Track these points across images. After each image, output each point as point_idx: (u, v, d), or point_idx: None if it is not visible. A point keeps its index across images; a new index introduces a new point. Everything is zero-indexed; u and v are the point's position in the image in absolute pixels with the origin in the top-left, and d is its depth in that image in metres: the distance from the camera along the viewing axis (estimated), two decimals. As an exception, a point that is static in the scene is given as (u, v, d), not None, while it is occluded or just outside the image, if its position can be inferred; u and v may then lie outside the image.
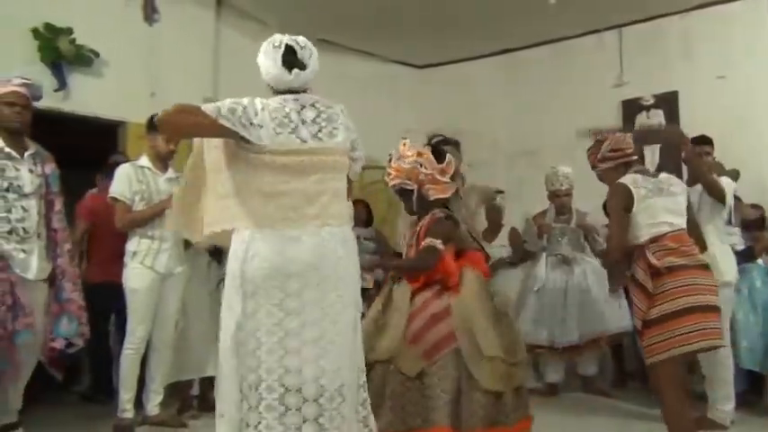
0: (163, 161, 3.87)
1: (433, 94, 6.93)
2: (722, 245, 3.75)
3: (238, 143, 2.11)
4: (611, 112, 5.99)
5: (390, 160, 3.05)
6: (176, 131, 2.40)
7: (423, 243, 2.87)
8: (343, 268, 2.16)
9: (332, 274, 2.12)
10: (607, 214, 3.38)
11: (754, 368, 4.05)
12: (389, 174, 3.04)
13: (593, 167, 3.27)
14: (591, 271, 4.73)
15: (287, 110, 2.16)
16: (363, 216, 5.52)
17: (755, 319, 4.05)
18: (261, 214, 2.11)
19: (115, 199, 3.75)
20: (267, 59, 2.26)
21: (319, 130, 2.18)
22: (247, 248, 2.08)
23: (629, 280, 2.96)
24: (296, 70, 2.22)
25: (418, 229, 2.97)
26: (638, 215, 2.93)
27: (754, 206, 4.59)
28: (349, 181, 2.35)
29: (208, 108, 2.04)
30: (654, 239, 2.89)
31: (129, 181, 3.76)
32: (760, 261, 4.26)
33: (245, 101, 2.11)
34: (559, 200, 4.81)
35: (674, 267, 2.79)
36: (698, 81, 5.56)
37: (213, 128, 2.06)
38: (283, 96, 2.21)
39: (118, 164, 4.00)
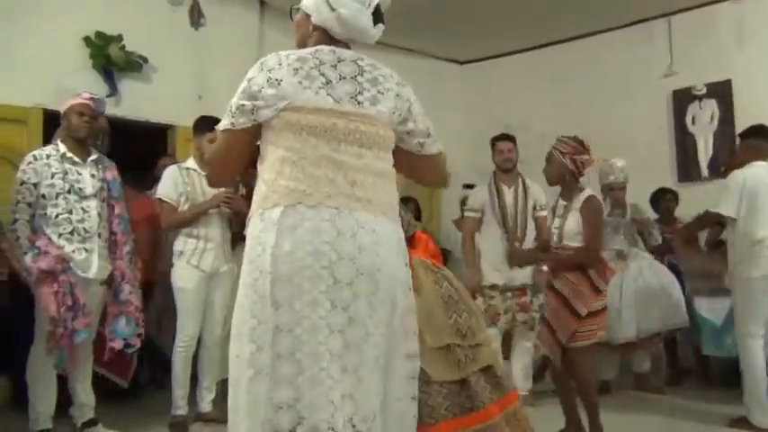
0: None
1: (475, 89, 6.87)
2: None
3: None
4: (660, 103, 5.85)
5: None
6: (222, 176, 2.02)
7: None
8: (389, 271, 1.67)
9: (375, 275, 1.64)
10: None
11: None
12: None
13: None
14: (647, 266, 4.64)
15: (318, 61, 1.73)
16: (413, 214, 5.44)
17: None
18: (291, 187, 1.66)
19: (161, 200, 3.85)
20: None
21: (359, 93, 1.74)
22: (279, 231, 1.61)
23: (580, 275, 3.28)
24: (381, 25, 1.88)
25: None
26: None
27: None
28: (418, 160, 1.88)
29: (220, 128, 1.82)
30: None
31: (176, 182, 3.84)
32: None
33: (242, 84, 1.81)
34: (614, 193, 4.70)
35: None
36: (753, 69, 5.37)
37: (237, 140, 1.78)
38: (316, 48, 1.78)
39: (166, 167, 4.09)
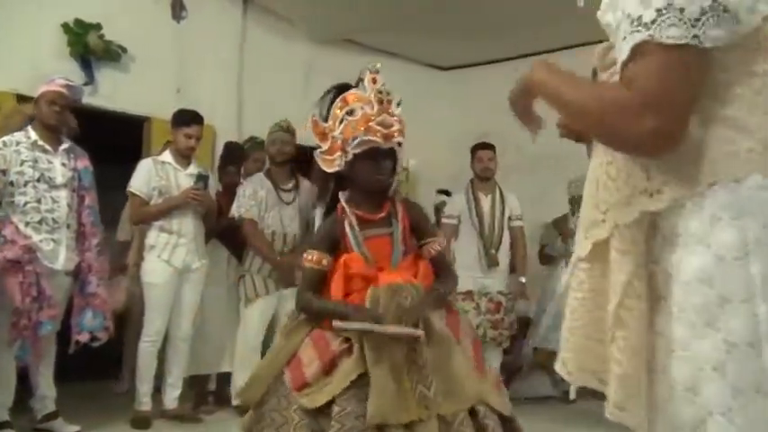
0: (185, 156, 3.90)
1: (457, 96, 6.89)
2: None
3: None
4: (637, 117, 5.92)
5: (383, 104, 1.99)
6: (670, 125, 1.01)
7: (436, 245, 2.12)
8: None
9: None
10: None
11: None
12: (390, 124, 1.98)
13: None
14: None
15: None
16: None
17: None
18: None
19: (132, 193, 3.80)
20: None
21: None
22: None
23: None
24: None
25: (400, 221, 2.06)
26: None
27: None
28: None
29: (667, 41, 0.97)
30: None
31: (149, 176, 3.80)
32: None
33: None
34: None
35: None
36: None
37: (700, 67, 1.00)
38: None
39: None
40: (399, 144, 2.02)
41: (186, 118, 3.88)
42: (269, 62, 5.53)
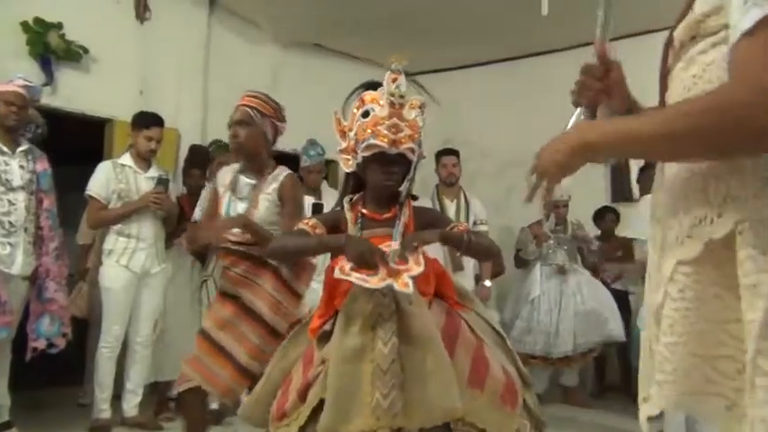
0: (145, 159, 3.85)
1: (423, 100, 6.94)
2: None
3: None
4: (600, 125, 6.03)
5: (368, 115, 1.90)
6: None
7: (459, 227, 1.97)
8: None
9: None
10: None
11: None
12: (399, 129, 1.89)
13: None
14: (585, 282, 4.78)
15: None
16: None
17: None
18: None
19: (90, 196, 3.73)
20: None
21: None
22: None
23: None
24: None
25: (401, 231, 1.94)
26: None
27: None
28: None
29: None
30: None
31: (108, 179, 3.74)
32: None
33: None
34: (557, 210, 4.88)
35: None
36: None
37: None
38: None
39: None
40: (412, 150, 1.92)
41: (146, 120, 3.83)
42: (235, 65, 5.49)
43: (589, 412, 4.62)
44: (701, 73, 1.02)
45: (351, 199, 2.00)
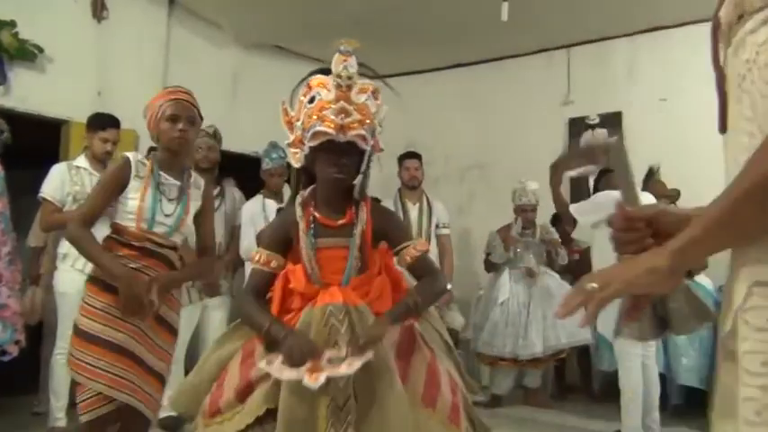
0: (101, 161, 3.78)
1: (386, 104, 6.95)
2: None
3: None
4: (558, 129, 6.14)
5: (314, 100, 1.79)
6: None
7: (411, 250, 1.89)
8: None
9: None
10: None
11: (694, 384, 4.23)
12: (347, 113, 1.77)
13: None
14: (554, 285, 4.84)
15: None
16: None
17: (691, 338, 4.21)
18: None
19: (44, 199, 3.64)
20: None
21: None
22: None
23: None
24: None
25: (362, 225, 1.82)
26: None
27: None
28: None
29: None
30: None
31: (62, 182, 3.65)
32: (698, 280, 4.38)
33: None
34: (525, 214, 4.93)
35: None
36: (641, 103, 5.73)
37: None
38: None
39: None
40: (364, 138, 1.76)
41: (102, 121, 3.76)
42: (195, 66, 5.42)
43: (549, 413, 4.69)
44: (755, 56, 0.86)
45: (301, 199, 1.83)
